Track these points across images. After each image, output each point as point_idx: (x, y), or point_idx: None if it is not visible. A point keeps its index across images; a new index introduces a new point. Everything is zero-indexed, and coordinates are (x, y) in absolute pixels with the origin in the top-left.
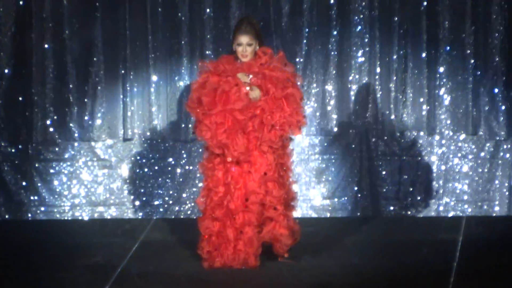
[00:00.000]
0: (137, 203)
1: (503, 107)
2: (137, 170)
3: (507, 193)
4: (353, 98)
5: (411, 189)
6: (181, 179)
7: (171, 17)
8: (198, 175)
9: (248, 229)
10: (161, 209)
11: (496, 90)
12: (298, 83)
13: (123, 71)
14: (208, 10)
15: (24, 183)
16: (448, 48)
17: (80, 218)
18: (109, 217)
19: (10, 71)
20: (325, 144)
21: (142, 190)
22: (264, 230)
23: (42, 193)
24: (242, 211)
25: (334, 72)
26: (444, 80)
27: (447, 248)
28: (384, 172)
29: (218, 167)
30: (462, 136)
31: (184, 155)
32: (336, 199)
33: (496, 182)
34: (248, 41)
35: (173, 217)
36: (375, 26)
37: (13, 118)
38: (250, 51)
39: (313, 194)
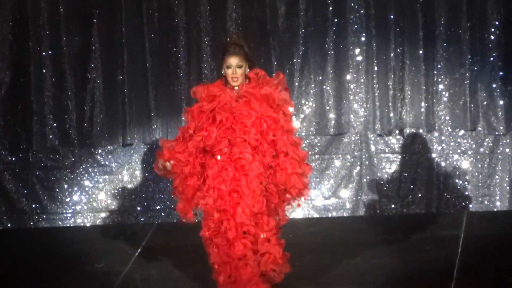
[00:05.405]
0: (138, 208)
1: (501, 102)
2: (138, 175)
3: (507, 187)
4: (351, 97)
5: (412, 186)
6: None
7: (168, 21)
8: None
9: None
10: (162, 214)
11: (494, 85)
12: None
13: (121, 77)
14: (204, 13)
15: (25, 191)
16: (445, 44)
17: (82, 224)
18: (111, 223)
19: (8, 79)
20: (325, 144)
21: (143, 195)
22: (262, 262)
23: (44, 200)
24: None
25: (332, 71)
26: (442, 76)
27: (449, 244)
28: (384, 170)
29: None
30: (461, 132)
31: None
32: (337, 199)
33: (496, 177)
34: (238, 62)
35: (175, 221)
36: (371, 24)
37: (13, 126)
38: (241, 73)
39: (314, 194)
